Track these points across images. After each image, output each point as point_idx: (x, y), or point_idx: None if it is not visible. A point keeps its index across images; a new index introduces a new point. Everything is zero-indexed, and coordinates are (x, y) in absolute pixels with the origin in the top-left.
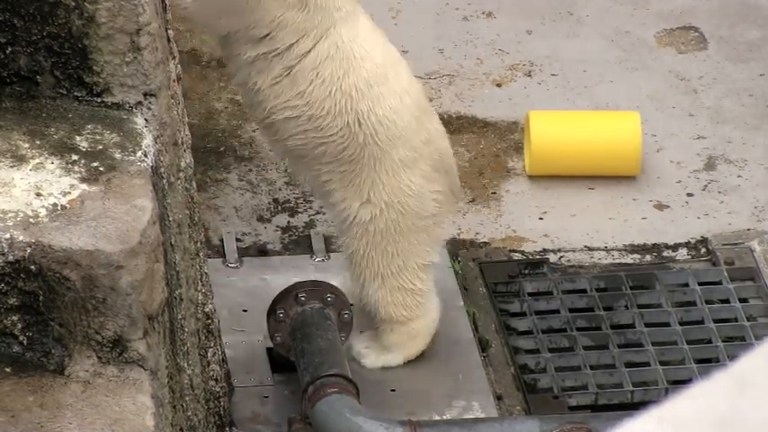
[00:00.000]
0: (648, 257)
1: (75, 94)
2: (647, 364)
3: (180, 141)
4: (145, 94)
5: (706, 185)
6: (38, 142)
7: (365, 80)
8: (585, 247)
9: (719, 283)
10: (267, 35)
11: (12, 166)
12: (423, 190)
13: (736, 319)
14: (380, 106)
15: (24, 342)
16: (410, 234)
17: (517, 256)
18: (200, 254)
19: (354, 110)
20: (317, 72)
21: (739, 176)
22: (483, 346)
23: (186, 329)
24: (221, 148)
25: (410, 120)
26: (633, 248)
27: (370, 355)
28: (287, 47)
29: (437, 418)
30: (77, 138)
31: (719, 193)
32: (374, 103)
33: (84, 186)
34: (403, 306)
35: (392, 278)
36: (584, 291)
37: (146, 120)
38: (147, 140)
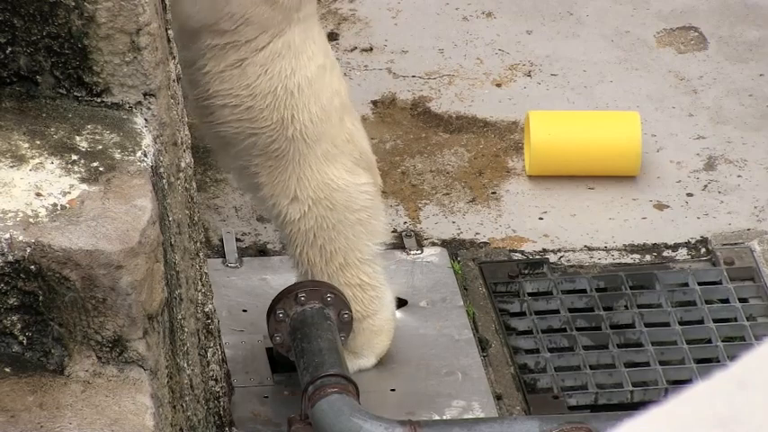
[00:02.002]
0: (648, 257)
1: (75, 94)
2: (646, 364)
3: (180, 141)
4: (145, 94)
5: (706, 185)
6: (38, 142)
7: (307, 79)
8: (585, 247)
9: (719, 283)
10: (232, 29)
11: (12, 166)
12: (348, 183)
13: (735, 319)
14: (315, 104)
15: (24, 342)
16: (344, 229)
17: (517, 256)
18: (200, 254)
19: (291, 106)
20: (266, 68)
21: (739, 176)
22: (483, 345)
23: (186, 329)
24: None
25: (336, 119)
26: (633, 248)
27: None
28: (245, 41)
29: (437, 418)
30: (77, 138)
31: (719, 193)
32: (310, 100)
33: (84, 186)
34: (358, 301)
35: (336, 276)
36: (583, 291)
37: (145, 120)
38: (147, 140)
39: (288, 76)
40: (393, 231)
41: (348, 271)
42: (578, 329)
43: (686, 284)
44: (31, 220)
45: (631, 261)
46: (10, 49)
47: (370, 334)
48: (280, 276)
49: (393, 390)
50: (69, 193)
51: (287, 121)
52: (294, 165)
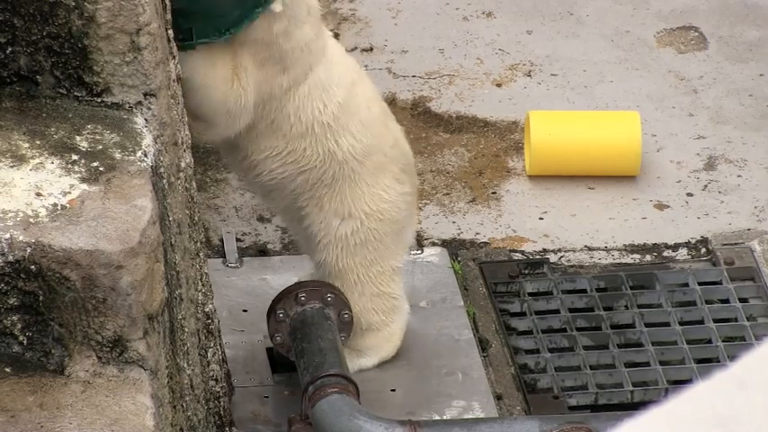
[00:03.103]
0: (648, 257)
1: (75, 93)
2: (647, 363)
3: (180, 141)
4: (145, 94)
5: (706, 185)
6: (38, 142)
7: (339, 105)
8: (585, 247)
9: (719, 283)
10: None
11: (12, 166)
12: (395, 194)
13: (736, 319)
14: (354, 124)
15: (24, 342)
16: (387, 239)
17: (517, 256)
18: (201, 254)
19: (333, 134)
20: (298, 115)
21: (739, 176)
22: (483, 346)
23: (186, 329)
24: None
25: (380, 127)
26: (633, 248)
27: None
28: (272, 108)
29: (437, 417)
30: (77, 138)
31: (719, 193)
32: (348, 123)
33: (84, 186)
34: (381, 311)
35: (370, 284)
36: (584, 291)
37: (146, 120)
38: (147, 140)
39: (321, 112)
40: None
41: (382, 279)
42: (578, 329)
43: (686, 284)
44: (31, 220)
45: (631, 261)
46: (10, 48)
47: (382, 340)
48: (280, 276)
49: (393, 390)
50: (69, 193)
51: (333, 149)
52: (350, 183)
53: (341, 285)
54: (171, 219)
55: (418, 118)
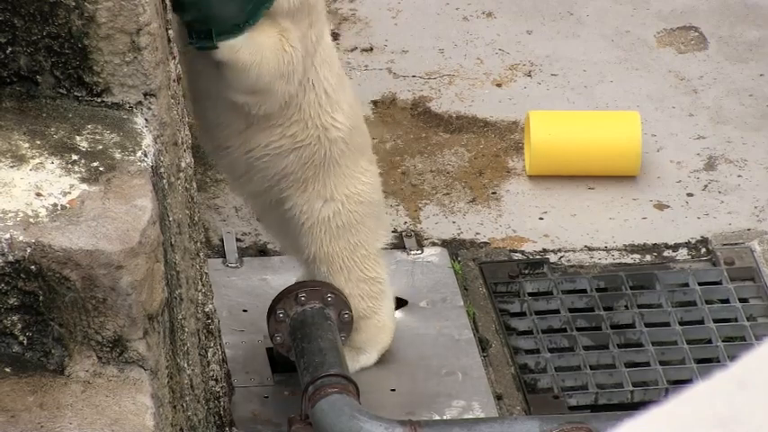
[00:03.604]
0: (648, 257)
1: (76, 94)
2: (647, 364)
3: (180, 141)
4: (145, 94)
5: (706, 185)
6: (38, 142)
7: (338, 77)
8: (585, 247)
9: (719, 283)
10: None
11: (12, 166)
12: (372, 176)
13: (736, 319)
14: (344, 100)
15: (24, 342)
16: (368, 221)
17: (517, 256)
18: (201, 254)
19: (332, 109)
20: (311, 82)
21: (739, 176)
22: (483, 346)
23: (186, 329)
24: None
25: (358, 109)
26: (633, 248)
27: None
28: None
29: (437, 417)
30: (77, 138)
31: (719, 193)
32: (341, 97)
33: (84, 186)
34: (368, 297)
35: (356, 269)
36: (584, 291)
37: (146, 120)
38: (147, 140)
39: (328, 81)
40: (393, 231)
41: (368, 263)
42: (578, 329)
43: (686, 284)
44: (31, 220)
45: (631, 261)
46: (10, 48)
47: (375, 330)
48: (280, 276)
49: (393, 390)
50: (69, 193)
51: (328, 124)
52: (334, 165)
53: (327, 271)
54: (171, 219)
55: (418, 118)
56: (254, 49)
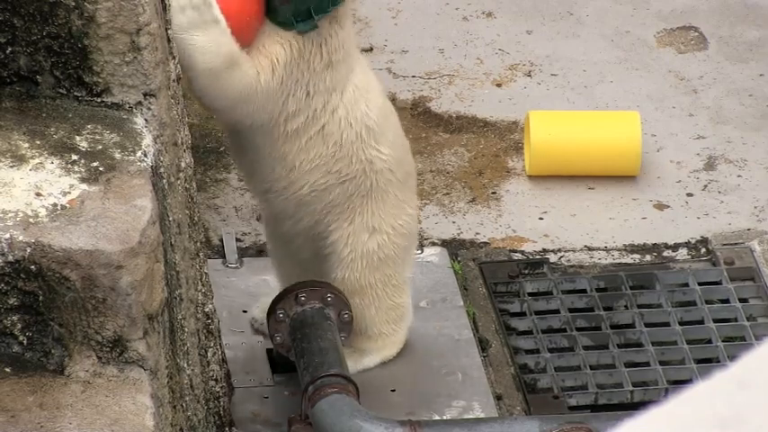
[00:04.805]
0: (648, 257)
1: (75, 93)
2: (647, 364)
3: (180, 141)
4: (145, 94)
5: (706, 185)
6: (38, 142)
7: (379, 110)
8: (585, 247)
9: (719, 283)
10: (302, 106)
11: (12, 166)
12: (413, 208)
13: (736, 319)
14: (389, 130)
15: (24, 342)
16: (405, 253)
17: (517, 256)
18: (200, 254)
19: (374, 140)
20: (348, 120)
21: (739, 176)
22: (483, 346)
23: (186, 329)
24: (221, 148)
25: (404, 139)
26: (633, 248)
27: (348, 362)
28: (321, 108)
29: (437, 418)
30: (77, 138)
31: (719, 193)
32: (385, 128)
33: (84, 186)
34: (393, 321)
35: (386, 298)
36: (584, 291)
37: (145, 120)
38: (147, 140)
39: (365, 115)
40: None
41: (397, 292)
42: (578, 329)
43: (686, 284)
44: (31, 220)
45: (631, 261)
46: (10, 48)
47: (388, 343)
48: None
49: (393, 390)
50: (69, 193)
51: (372, 157)
52: (381, 196)
53: (359, 302)
54: (171, 219)
55: (418, 118)
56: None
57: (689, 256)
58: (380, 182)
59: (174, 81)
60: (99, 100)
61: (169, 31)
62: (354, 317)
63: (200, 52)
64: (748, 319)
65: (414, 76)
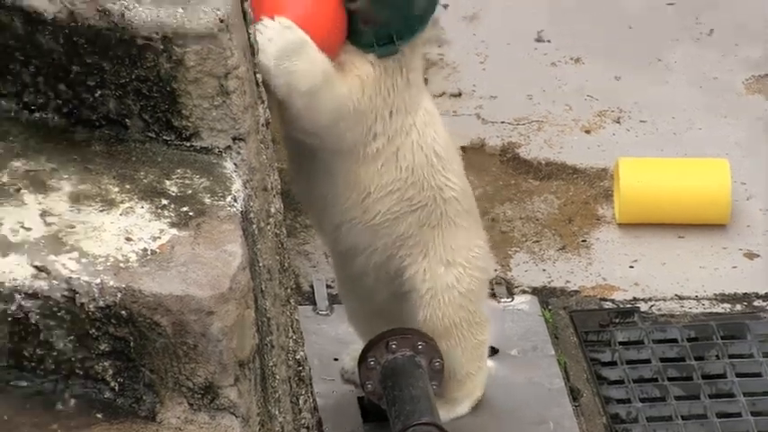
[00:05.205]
0: (739, 307)
1: (164, 137)
2: (738, 414)
3: (269, 186)
4: (234, 139)
5: None
6: (127, 186)
7: (445, 139)
8: (676, 296)
9: None
10: (382, 130)
11: (102, 210)
12: (483, 240)
13: None
14: (455, 160)
15: (116, 388)
16: (482, 287)
17: (608, 305)
18: (291, 300)
19: (442, 167)
20: (419, 143)
21: None
22: (574, 395)
23: (277, 376)
24: None
25: (462, 168)
26: (724, 298)
27: (441, 413)
28: (399, 129)
29: None
30: (167, 182)
31: None
32: (452, 157)
33: (174, 231)
34: (478, 358)
35: (471, 337)
36: (675, 340)
37: (235, 164)
38: (237, 185)
39: (434, 140)
40: None
41: (479, 329)
42: (669, 379)
43: None
44: (121, 264)
45: (722, 310)
46: (99, 92)
47: (472, 385)
48: None
49: None
50: (159, 237)
51: (442, 184)
52: (451, 227)
53: (445, 345)
54: (261, 264)
55: (507, 164)
56: (331, 83)
57: None
58: (450, 212)
59: (263, 125)
60: (188, 144)
61: (258, 76)
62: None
63: (301, 75)
64: None
65: (502, 122)
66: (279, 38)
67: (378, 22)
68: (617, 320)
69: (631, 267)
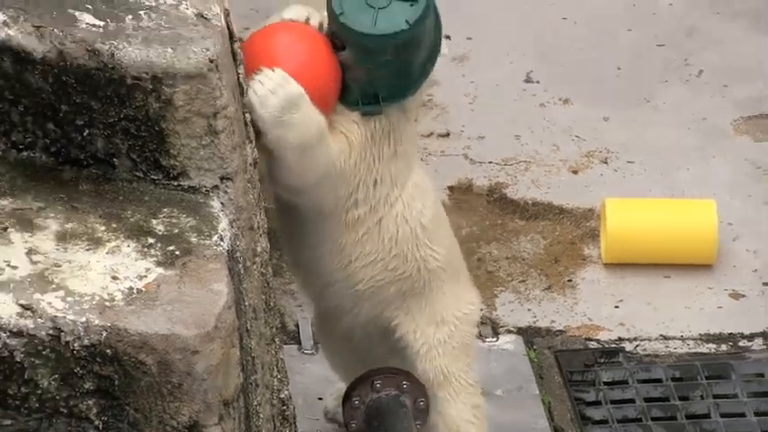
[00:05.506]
0: (724, 347)
1: (152, 177)
2: None
3: (256, 225)
4: (221, 178)
5: None
6: (114, 225)
7: (432, 209)
8: (661, 336)
9: None
10: (365, 197)
11: (88, 249)
12: (474, 295)
13: None
14: (443, 228)
15: (100, 426)
16: (475, 340)
17: (593, 345)
18: (276, 339)
19: (428, 240)
20: (404, 216)
21: None
22: None
23: (262, 415)
24: None
25: (452, 237)
26: (709, 338)
27: None
28: (383, 200)
29: None
30: (153, 221)
31: None
32: (439, 226)
33: (160, 270)
34: (475, 416)
35: (468, 386)
36: (659, 380)
37: (222, 203)
38: (224, 224)
39: (421, 213)
40: None
41: (473, 381)
42: (654, 419)
43: (762, 375)
44: (107, 303)
45: (707, 351)
46: (87, 131)
47: (466, 426)
48: None
49: None
50: (145, 276)
51: (426, 256)
52: (437, 292)
53: (445, 396)
54: (246, 303)
55: (494, 204)
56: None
57: (765, 346)
58: (434, 282)
59: (250, 165)
60: (176, 183)
61: (246, 115)
62: (443, 419)
63: (297, 129)
64: None
65: (490, 162)
66: (281, 90)
67: (362, 77)
68: (602, 360)
69: (617, 307)
